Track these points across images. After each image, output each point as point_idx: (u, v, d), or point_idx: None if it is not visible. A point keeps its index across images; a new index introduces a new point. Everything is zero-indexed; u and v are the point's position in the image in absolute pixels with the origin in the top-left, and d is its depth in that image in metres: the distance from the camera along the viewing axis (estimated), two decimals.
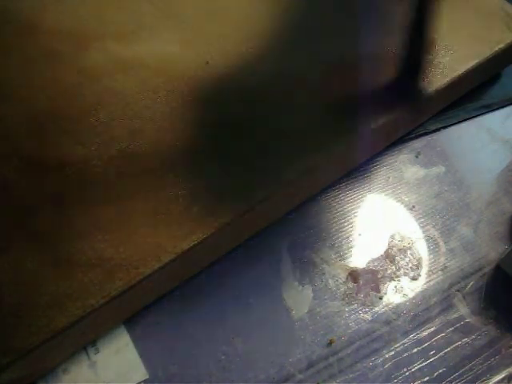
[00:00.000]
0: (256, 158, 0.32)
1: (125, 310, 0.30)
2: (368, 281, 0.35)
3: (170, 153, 0.32)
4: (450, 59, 0.39)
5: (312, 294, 0.34)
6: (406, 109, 0.36)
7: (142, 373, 0.29)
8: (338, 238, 0.36)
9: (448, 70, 0.38)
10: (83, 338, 0.29)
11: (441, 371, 0.32)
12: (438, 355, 0.33)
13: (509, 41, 0.41)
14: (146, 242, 0.28)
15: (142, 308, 0.31)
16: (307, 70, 0.37)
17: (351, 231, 0.37)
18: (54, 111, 0.33)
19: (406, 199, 0.39)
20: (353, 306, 0.34)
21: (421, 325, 0.34)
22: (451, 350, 0.33)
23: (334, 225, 0.37)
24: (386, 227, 0.38)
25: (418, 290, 0.35)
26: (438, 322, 0.34)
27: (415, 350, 0.33)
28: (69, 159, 0.31)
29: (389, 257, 0.36)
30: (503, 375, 0.32)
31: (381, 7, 0.39)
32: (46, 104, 0.33)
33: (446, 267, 0.36)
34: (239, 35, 0.38)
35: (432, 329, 0.34)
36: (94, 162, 0.31)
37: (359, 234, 0.37)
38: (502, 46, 0.41)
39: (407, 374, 0.32)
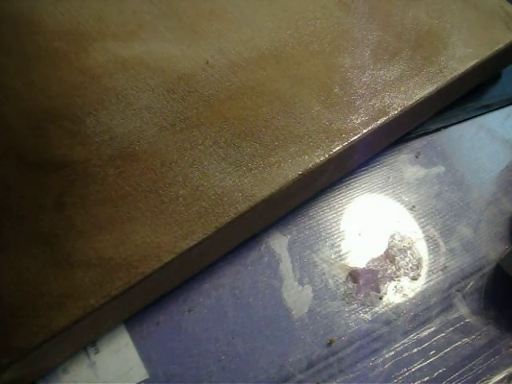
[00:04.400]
0: (257, 157, 0.32)
1: (125, 309, 0.30)
2: (368, 281, 0.35)
3: (170, 152, 0.32)
4: (450, 59, 0.39)
5: (312, 294, 0.34)
6: None
7: (142, 373, 0.29)
8: (338, 237, 0.36)
9: (448, 70, 0.38)
10: (83, 337, 0.29)
11: (441, 371, 0.32)
12: (438, 355, 0.33)
13: (508, 41, 0.41)
14: (145, 242, 0.28)
15: (142, 308, 0.31)
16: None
17: (351, 231, 0.37)
18: (54, 111, 0.33)
19: (406, 199, 0.39)
20: (353, 306, 0.34)
21: (421, 325, 0.34)
22: (451, 349, 0.33)
23: (334, 225, 0.37)
24: (386, 227, 0.38)
25: (418, 290, 0.35)
26: (438, 321, 0.34)
27: (415, 349, 0.33)
28: (69, 159, 0.31)
29: (389, 257, 0.36)
30: (503, 375, 0.32)
31: None
32: (46, 104, 0.33)
33: (446, 267, 0.36)
34: (239, 35, 0.38)
35: (432, 329, 0.34)
36: (93, 162, 0.31)
37: (359, 234, 0.37)
38: (501, 45, 0.41)
39: (407, 374, 0.32)
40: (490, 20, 0.42)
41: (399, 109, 0.36)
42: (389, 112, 0.35)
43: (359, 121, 0.35)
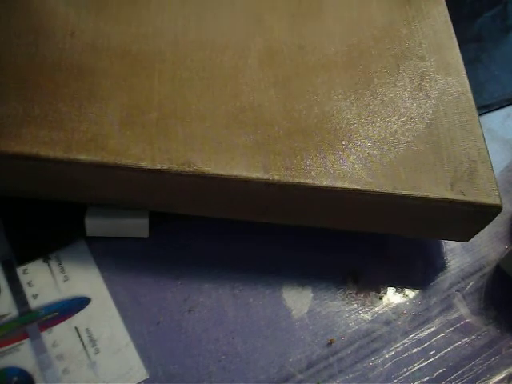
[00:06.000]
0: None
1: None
2: (368, 281, 0.35)
3: None
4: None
5: (312, 294, 0.34)
6: None
7: (142, 373, 0.29)
8: (338, 237, 0.36)
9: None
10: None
11: (441, 371, 0.32)
12: (438, 355, 0.33)
13: (439, 197, 0.30)
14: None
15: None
16: None
17: (351, 231, 0.37)
18: None
19: None
20: (353, 306, 0.34)
21: (421, 325, 0.34)
22: (451, 350, 0.33)
23: None
24: None
25: (418, 290, 0.35)
26: (437, 322, 0.34)
27: (415, 350, 0.33)
28: None
29: (389, 257, 0.36)
30: (503, 375, 0.32)
31: None
32: None
33: (446, 267, 0.36)
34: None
35: (432, 329, 0.34)
36: None
37: (359, 234, 0.37)
38: (423, 194, 0.30)
39: (407, 374, 0.32)
40: (438, 166, 0.31)
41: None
42: None
43: None
